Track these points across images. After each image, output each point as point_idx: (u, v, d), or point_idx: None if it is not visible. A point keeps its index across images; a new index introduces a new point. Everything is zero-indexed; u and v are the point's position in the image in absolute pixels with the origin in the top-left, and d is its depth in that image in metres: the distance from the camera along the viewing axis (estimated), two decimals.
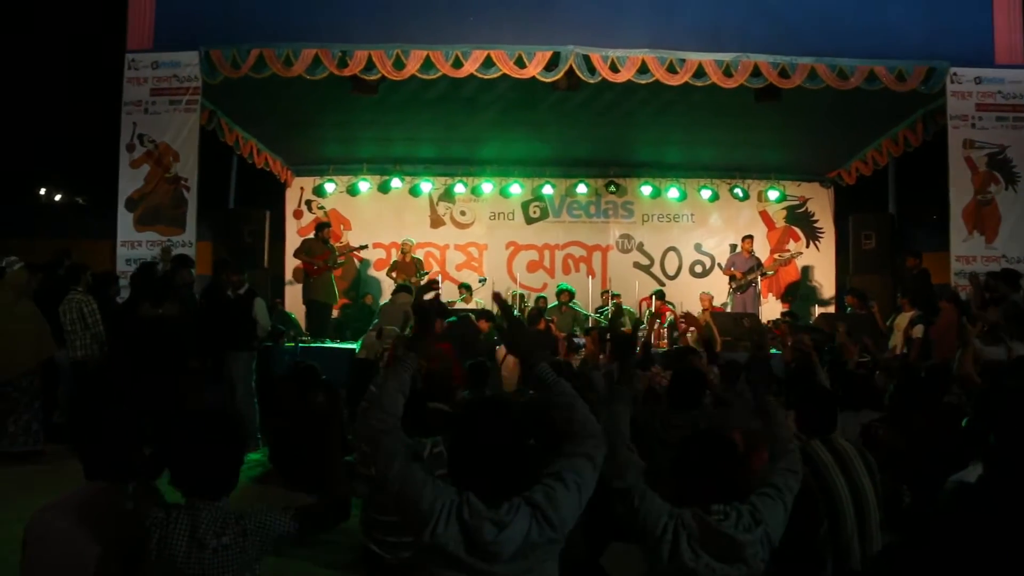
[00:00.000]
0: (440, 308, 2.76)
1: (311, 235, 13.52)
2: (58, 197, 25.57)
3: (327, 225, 13.36)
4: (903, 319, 9.93)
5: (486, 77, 9.77)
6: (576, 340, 10.42)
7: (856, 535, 3.76)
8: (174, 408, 7.23)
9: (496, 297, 3.38)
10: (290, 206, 15.10)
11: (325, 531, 2.99)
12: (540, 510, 2.46)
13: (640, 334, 7.08)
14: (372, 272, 14.91)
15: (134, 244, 9.96)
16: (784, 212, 15.32)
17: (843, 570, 3.75)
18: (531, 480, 2.55)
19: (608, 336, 7.26)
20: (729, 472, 2.84)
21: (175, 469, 2.77)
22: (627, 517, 2.88)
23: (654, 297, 12.91)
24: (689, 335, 11.07)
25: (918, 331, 9.58)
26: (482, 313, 10.64)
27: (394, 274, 13.32)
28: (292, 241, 14.60)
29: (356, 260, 14.60)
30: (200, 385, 8.28)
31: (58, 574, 2.85)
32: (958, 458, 3.99)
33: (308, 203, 15.10)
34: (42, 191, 25.13)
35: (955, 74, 9.98)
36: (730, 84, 9.80)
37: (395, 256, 13.95)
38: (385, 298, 13.70)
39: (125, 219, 10.01)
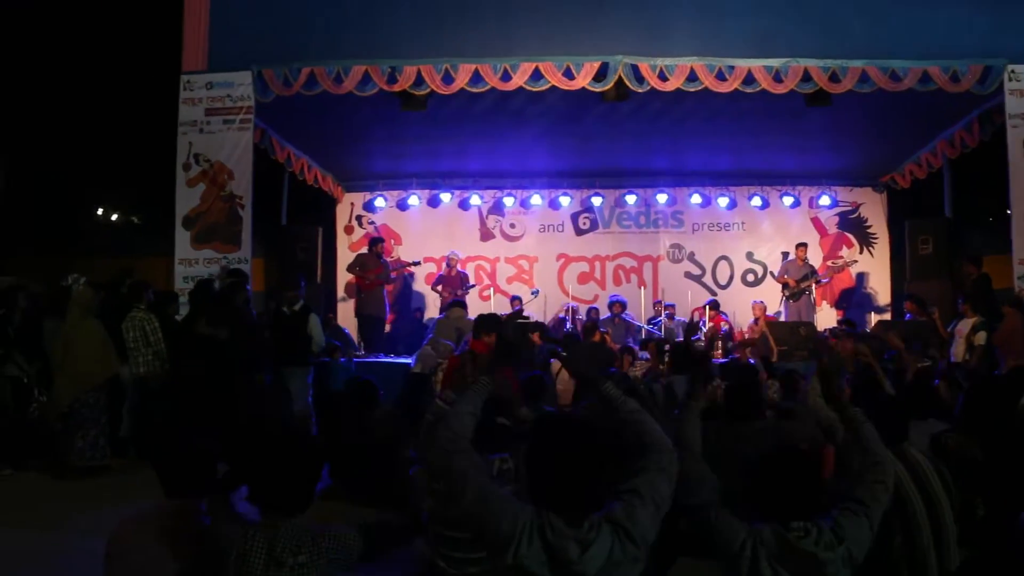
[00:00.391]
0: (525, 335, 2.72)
1: (364, 250, 13.64)
2: (114, 217, 26.13)
3: (380, 240, 13.50)
4: (965, 325, 9.71)
5: (535, 89, 9.78)
6: (638, 351, 10.35)
7: (932, 549, 3.66)
8: (238, 424, 7.34)
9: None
10: (341, 222, 15.28)
11: (398, 547, 3.00)
12: (622, 527, 2.46)
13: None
14: (416, 286, 14.98)
15: (191, 262, 10.15)
16: (836, 218, 15.11)
17: None
18: (607, 497, 2.56)
19: (667, 347, 7.23)
20: (810, 489, 2.79)
21: (254, 486, 2.80)
22: (702, 534, 2.85)
23: (708, 307, 12.79)
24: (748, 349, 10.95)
25: (980, 337, 9.37)
26: (535, 326, 10.61)
27: (439, 287, 13.37)
28: (344, 256, 14.76)
29: (406, 273, 14.70)
30: (261, 401, 8.38)
31: None
32: None
33: (359, 218, 15.26)
34: (99, 211, 25.69)
35: (1013, 71, 9.74)
36: (780, 89, 9.70)
37: (442, 270, 14.00)
38: (432, 312, 13.78)
39: (183, 237, 10.22)
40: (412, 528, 3.08)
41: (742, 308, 13.83)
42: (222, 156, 10.13)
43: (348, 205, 15.28)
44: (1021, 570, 3.27)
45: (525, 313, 12.69)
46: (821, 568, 2.68)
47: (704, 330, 12.27)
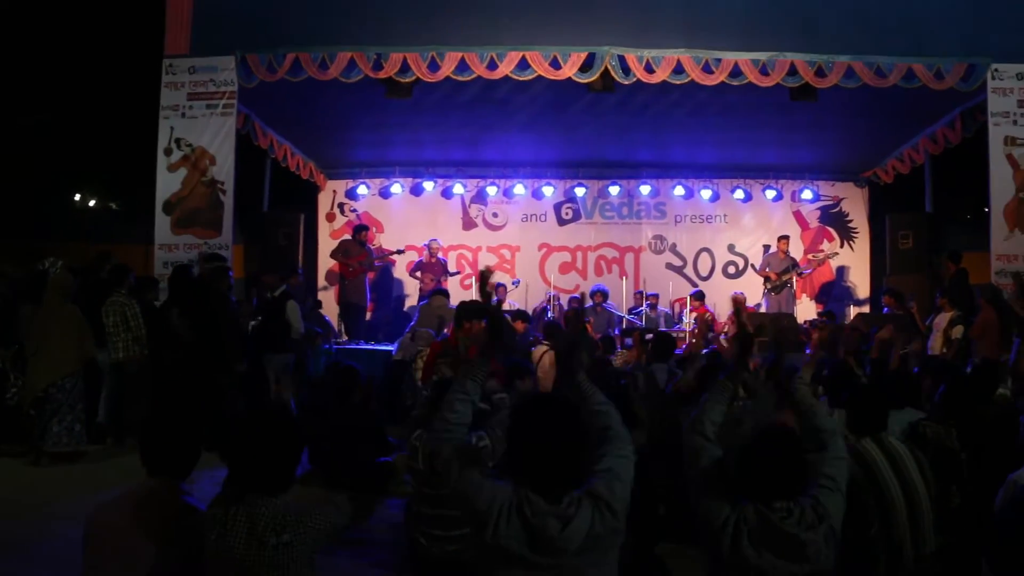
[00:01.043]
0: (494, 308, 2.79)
1: (347, 236, 13.56)
2: (92, 203, 25.91)
3: (365, 228, 13.44)
4: (943, 319, 9.82)
5: (521, 78, 9.75)
6: (625, 340, 10.40)
7: (909, 535, 3.71)
8: (218, 409, 7.32)
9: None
10: (323, 209, 15.20)
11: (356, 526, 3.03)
12: (603, 500, 2.50)
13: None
14: (396, 274, 14.94)
15: (172, 247, 10.07)
16: (818, 212, 15.19)
17: (896, 570, 3.69)
18: (584, 475, 2.59)
19: (648, 336, 7.26)
20: (793, 469, 2.82)
21: (234, 465, 2.79)
22: (687, 509, 2.89)
23: (691, 298, 12.84)
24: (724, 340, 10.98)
25: (958, 331, 9.48)
26: (517, 314, 10.64)
27: (418, 274, 13.34)
28: (325, 244, 14.70)
29: (388, 262, 14.65)
30: (239, 387, 8.34)
31: (118, 569, 2.87)
32: (1013, 457, 3.93)
33: (341, 206, 15.18)
34: (77, 197, 25.47)
35: (996, 70, 9.82)
36: (766, 83, 9.72)
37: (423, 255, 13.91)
38: (413, 300, 13.77)
39: (163, 222, 10.12)
40: (376, 500, 3.08)
41: (722, 300, 13.87)
42: (204, 141, 10.04)
43: (330, 192, 15.20)
44: (993, 557, 3.32)
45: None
46: (802, 548, 2.71)
47: (686, 321, 12.31)
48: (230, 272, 9.16)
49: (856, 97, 10.22)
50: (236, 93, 9.98)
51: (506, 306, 12.47)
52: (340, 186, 15.15)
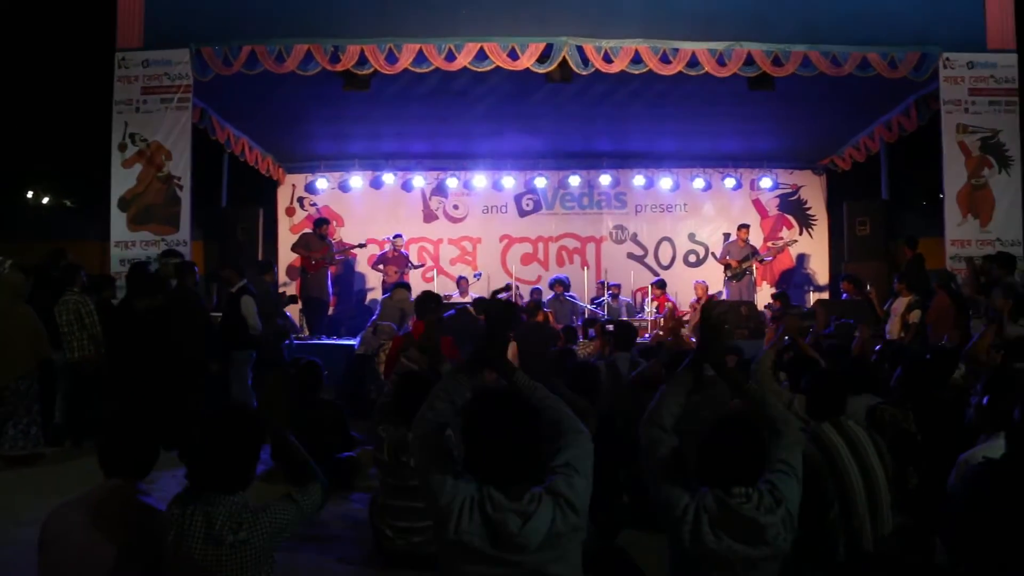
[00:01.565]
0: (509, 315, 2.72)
1: (308, 230, 13.45)
2: (46, 200, 25.44)
3: (325, 221, 13.32)
4: (900, 304, 9.97)
5: (479, 70, 9.73)
6: (588, 330, 10.43)
7: (868, 517, 3.78)
8: (180, 407, 7.22)
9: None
10: (282, 203, 15.06)
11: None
12: (563, 497, 2.50)
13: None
14: (358, 268, 14.85)
15: (128, 244, 9.94)
16: (777, 200, 15.35)
17: (855, 552, 3.76)
18: (544, 471, 2.59)
19: (610, 327, 7.29)
20: (753, 455, 2.85)
21: (191, 463, 2.76)
22: (647, 498, 2.91)
23: (653, 287, 12.90)
24: (685, 329, 11.06)
25: (915, 316, 9.63)
26: (480, 303, 10.63)
27: (381, 266, 13.27)
28: (285, 239, 14.57)
29: (350, 257, 14.56)
30: (203, 384, 8.24)
31: (76, 572, 2.83)
32: (965, 438, 4.01)
33: (300, 200, 15.05)
34: (30, 194, 24.99)
35: (947, 59, 9.99)
36: (723, 73, 9.79)
37: (385, 249, 13.83)
38: (376, 293, 13.69)
39: (118, 219, 9.99)
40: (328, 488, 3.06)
41: (684, 288, 14.00)
42: (159, 136, 9.91)
43: (289, 187, 15.07)
44: (949, 534, 3.38)
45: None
46: (762, 532, 2.74)
47: (648, 310, 12.35)
48: (195, 268, 9.06)
49: (813, 86, 10.35)
50: (191, 87, 9.86)
51: (467, 299, 12.47)
52: (299, 180, 15.02)
